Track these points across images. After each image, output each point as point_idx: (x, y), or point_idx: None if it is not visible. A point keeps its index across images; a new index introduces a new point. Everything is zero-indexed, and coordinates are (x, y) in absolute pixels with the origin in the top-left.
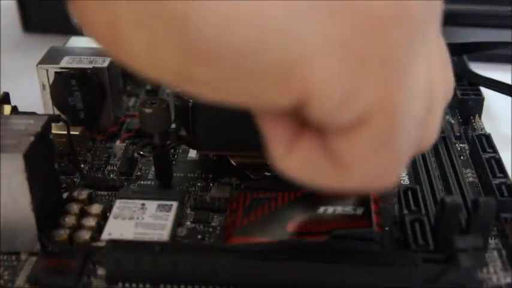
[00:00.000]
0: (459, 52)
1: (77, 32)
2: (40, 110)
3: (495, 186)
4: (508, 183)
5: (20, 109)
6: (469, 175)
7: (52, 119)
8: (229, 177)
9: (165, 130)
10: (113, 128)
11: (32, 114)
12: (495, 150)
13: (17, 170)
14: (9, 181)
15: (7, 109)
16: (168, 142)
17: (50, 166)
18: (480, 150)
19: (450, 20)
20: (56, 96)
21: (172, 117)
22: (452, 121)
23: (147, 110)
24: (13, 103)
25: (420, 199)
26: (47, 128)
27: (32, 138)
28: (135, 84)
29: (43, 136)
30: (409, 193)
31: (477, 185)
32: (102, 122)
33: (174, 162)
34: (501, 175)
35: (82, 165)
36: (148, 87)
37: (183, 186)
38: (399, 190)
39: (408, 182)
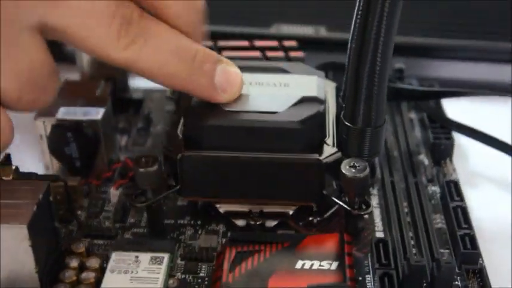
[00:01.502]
0: (435, 96)
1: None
2: (36, 154)
3: (459, 237)
4: (471, 234)
5: (18, 156)
6: (438, 221)
7: (52, 179)
8: (216, 224)
9: (157, 186)
10: (107, 174)
11: (32, 175)
12: (462, 198)
13: (21, 240)
14: (12, 249)
15: (8, 171)
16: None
17: (50, 226)
18: (448, 198)
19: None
20: (53, 146)
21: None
22: (426, 162)
23: (141, 170)
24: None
25: (390, 252)
26: (47, 193)
27: (34, 208)
28: (127, 122)
29: (44, 201)
30: (381, 245)
31: (445, 232)
32: (96, 168)
33: (164, 208)
34: (466, 225)
35: (79, 212)
36: (139, 125)
37: (173, 234)
38: (371, 241)
39: (382, 228)
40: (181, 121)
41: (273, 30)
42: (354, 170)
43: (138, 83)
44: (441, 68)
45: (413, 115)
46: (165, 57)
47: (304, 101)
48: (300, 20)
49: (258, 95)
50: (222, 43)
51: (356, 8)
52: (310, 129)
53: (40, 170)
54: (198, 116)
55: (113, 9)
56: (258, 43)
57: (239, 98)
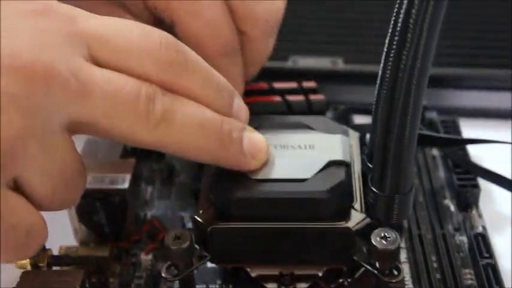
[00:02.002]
0: (459, 144)
1: None
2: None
3: None
4: None
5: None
6: (468, 277)
7: (85, 262)
8: None
9: (190, 260)
10: (136, 237)
11: (65, 258)
12: (491, 255)
13: None
14: None
15: (43, 258)
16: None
17: None
18: (478, 254)
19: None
20: (81, 215)
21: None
22: (452, 209)
23: (173, 247)
24: None
25: None
26: (84, 283)
27: None
28: (150, 171)
29: None
30: None
31: None
32: (125, 231)
33: (195, 271)
34: (497, 287)
35: (111, 279)
36: (163, 174)
37: None
38: None
39: (412, 287)
40: (208, 190)
41: (290, 63)
42: (384, 242)
43: None
44: (460, 98)
45: (435, 152)
46: (194, 131)
47: (330, 165)
48: (316, 53)
49: (284, 160)
50: None
51: (380, 75)
52: (338, 197)
53: (69, 234)
54: (226, 187)
55: (136, 89)
56: (277, 85)
57: (265, 164)
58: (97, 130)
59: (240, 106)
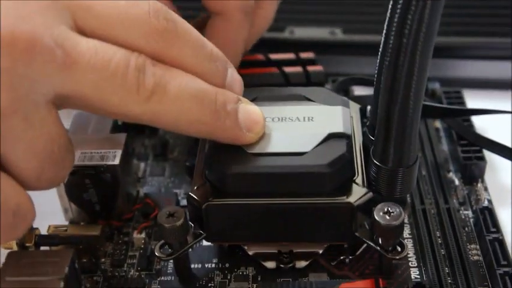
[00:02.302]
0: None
1: None
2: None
3: (499, 275)
4: (511, 273)
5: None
6: (474, 252)
7: (75, 242)
8: (245, 267)
9: (184, 239)
10: (128, 215)
11: (54, 238)
12: (498, 229)
13: None
14: None
15: (30, 237)
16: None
17: None
18: (484, 228)
19: (449, 52)
20: (71, 193)
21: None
22: (457, 183)
23: (166, 225)
24: None
25: None
26: (73, 262)
27: (61, 285)
28: (143, 146)
29: (71, 271)
30: None
31: (482, 265)
32: (117, 210)
33: (190, 250)
34: (505, 263)
35: (102, 259)
36: (156, 150)
37: (202, 281)
38: (408, 286)
39: (416, 263)
40: (203, 166)
41: (287, 34)
42: (388, 217)
43: None
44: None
45: (438, 124)
46: (187, 104)
47: (330, 137)
48: (314, 23)
49: (282, 133)
50: None
51: (383, 43)
52: (339, 171)
53: (59, 213)
54: (222, 162)
55: (125, 60)
56: (274, 56)
57: (262, 137)
58: (84, 104)
59: (234, 77)
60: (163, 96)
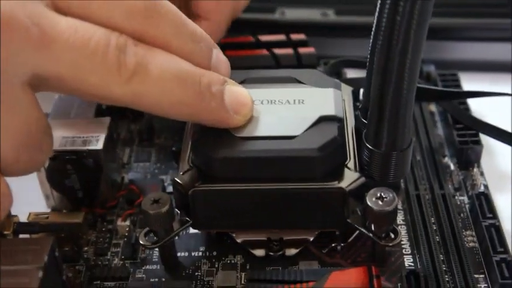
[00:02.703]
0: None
1: None
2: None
3: (495, 262)
4: (508, 260)
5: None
6: (470, 239)
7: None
8: (233, 255)
9: (170, 226)
10: (112, 203)
11: (34, 226)
12: (494, 215)
13: None
14: None
15: (9, 224)
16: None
17: (59, 281)
18: (480, 214)
19: (444, 34)
20: (52, 179)
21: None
22: (452, 167)
23: (151, 212)
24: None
25: (423, 284)
26: (52, 250)
27: (40, 274)
28: (128, 131)
29: (50, 260)
30: (412, 278)
31: (478, 252)
32: (100, 197)
33: (177, 238)
34: (501, 249)
35: (85, 248)
36: (142, 136)
37: (188, 270)
38: (401, 274)
39: (410, 251)
40: (190, 151)
41: (277, 15)
42: (381, 203)
43: None
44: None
45: (433, 108)
46: (170, 84)
47: (322, 121)
48: (306, 4)
49: (271, 116)
50: (224, 40)
51: (376, 22)
52: (330, 155)
53: (40, 200)
54: (209, 146)
55: (105, 39)
56: (264, 38)
57: (250, 120)
58: (63, 86)
59: (219, 58)
60: (145, 76)
